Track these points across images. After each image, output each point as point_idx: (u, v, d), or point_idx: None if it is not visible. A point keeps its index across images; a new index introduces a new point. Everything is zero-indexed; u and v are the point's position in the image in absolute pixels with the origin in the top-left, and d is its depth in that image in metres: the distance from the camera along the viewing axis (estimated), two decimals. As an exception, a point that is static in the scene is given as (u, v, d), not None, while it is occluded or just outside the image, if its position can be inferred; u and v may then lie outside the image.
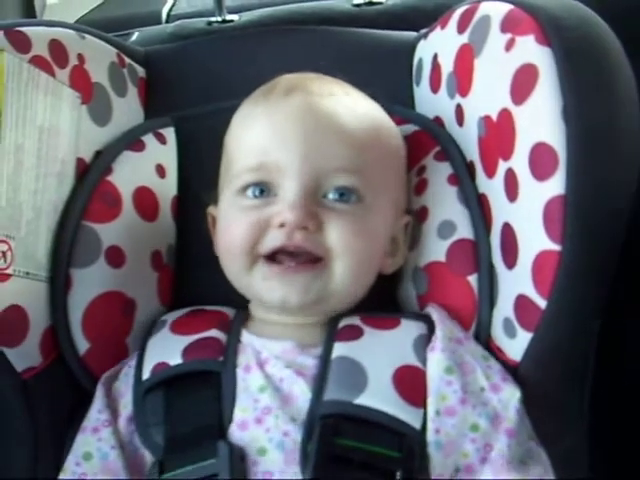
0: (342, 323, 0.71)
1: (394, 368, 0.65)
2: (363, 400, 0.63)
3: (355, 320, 0.71)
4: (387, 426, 0.62)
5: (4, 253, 0.67)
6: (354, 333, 0.69)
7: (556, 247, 0.60)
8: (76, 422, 0.70)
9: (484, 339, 0.70)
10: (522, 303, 0.65)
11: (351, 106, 0.72)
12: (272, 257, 0.69)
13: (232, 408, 0.65)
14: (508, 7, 0.69)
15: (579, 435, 0.71)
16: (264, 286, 0.70)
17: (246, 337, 0.71)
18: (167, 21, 1.26)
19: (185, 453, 0.63)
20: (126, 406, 0.69)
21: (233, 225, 0.72)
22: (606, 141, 0.60)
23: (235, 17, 1.11)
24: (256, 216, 0.70)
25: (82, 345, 0.73)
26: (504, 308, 0.69)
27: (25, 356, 0.69)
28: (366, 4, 1.10)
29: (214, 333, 0.71)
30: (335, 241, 0.68)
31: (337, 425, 0.62)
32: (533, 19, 0.65)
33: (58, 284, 0.73)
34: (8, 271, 0.67)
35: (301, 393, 0.65)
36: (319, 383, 0.65)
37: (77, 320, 0.73)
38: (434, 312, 0.71)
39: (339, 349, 0.67)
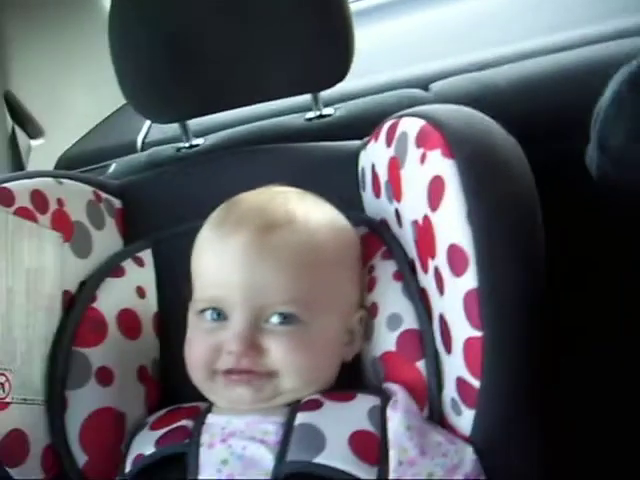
0: (304, 399, 0.78)
1: (350, 432, 0.72)
2: (322, 459, 0.70)
3: (316, 395, 0.78)
4: None
5: (2, 384, 0.74)
6: (315, 405, 0.76)
7: (478, 333, 0.68)
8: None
9: (437, 418, 0.77)
10: (461, 384, 0.73)
11: (291, 237, 0.78)
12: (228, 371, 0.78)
13: None
14: (421, 123, 0.78)
15: None
16: (225, 390, 0.78)
17: (211, 418, 0.78)
18: (142, 149, 1.36)
19: None
20: None
21: (195, 345, 0.81)
22: (507, 240, 0.69)
23: (200, 141, 1.22)
24: (212, 340, 0.78)
25: (81, 458, 0.79)
26: (449, 389, 0.75)
27: (28, 474, 0.75)
28: (317, 117, 1.21)
29: (183, 422, 0.78)
30: (278, 362, 0.76)
31: None
32: (439, 134, 0.74)
33: (55, 406, 0.80)
34: (7, 400, 0.75)
35: (262, 458, 0.71)
36: (282, 447, 0.72)
37: (74, 436, 0.79)
38: (393, 385, 0.79)
39: (300, 418, 0.74)
